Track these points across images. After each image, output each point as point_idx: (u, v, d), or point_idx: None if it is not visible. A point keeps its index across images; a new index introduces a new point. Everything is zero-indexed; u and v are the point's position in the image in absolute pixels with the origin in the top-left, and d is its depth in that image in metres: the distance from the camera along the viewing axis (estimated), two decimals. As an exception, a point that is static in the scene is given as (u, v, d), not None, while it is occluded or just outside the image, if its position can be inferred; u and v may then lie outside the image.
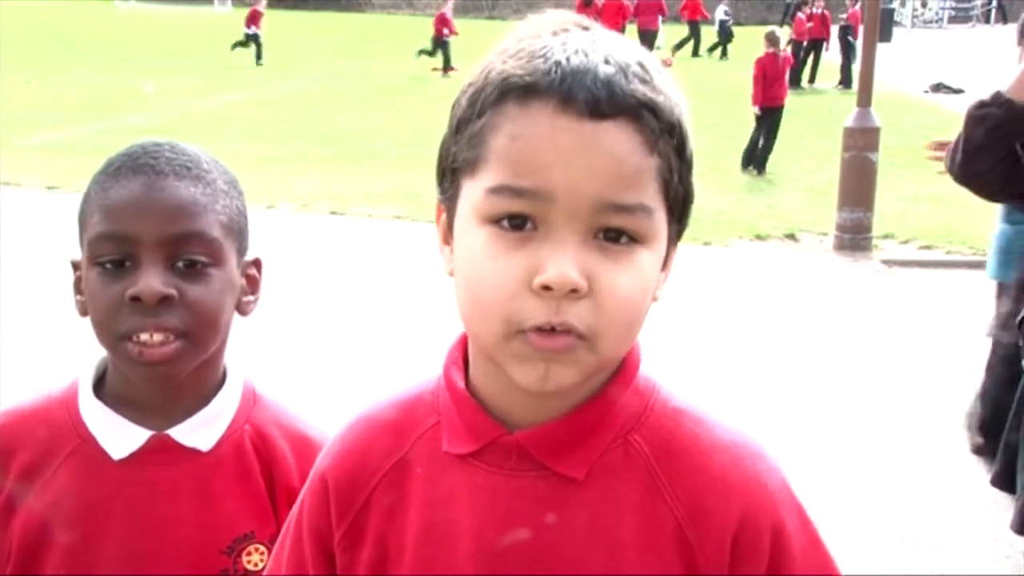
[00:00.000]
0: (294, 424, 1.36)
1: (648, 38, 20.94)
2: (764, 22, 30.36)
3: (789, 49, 12.87)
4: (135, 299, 1.22)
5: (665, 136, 0.92)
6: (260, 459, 1.33)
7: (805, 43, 19.46)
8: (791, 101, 12.55)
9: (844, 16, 19.89)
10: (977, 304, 4.79)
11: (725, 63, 22.53)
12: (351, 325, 5.95)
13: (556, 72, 0.90)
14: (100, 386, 1.33)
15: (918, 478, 4.33)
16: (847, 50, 18.92)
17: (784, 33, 13.31)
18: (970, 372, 4.46)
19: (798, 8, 20.97)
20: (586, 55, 0.91)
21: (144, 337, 1.23)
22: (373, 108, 15.04)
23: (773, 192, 10.06)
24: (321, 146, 11.93)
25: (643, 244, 0.92)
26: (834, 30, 20.00)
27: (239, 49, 20.93)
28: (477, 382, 1.01)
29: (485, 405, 1.00)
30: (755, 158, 11.14)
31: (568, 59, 0.91)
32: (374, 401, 1.10)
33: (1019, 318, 2.86)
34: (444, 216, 1.00)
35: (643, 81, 0.91)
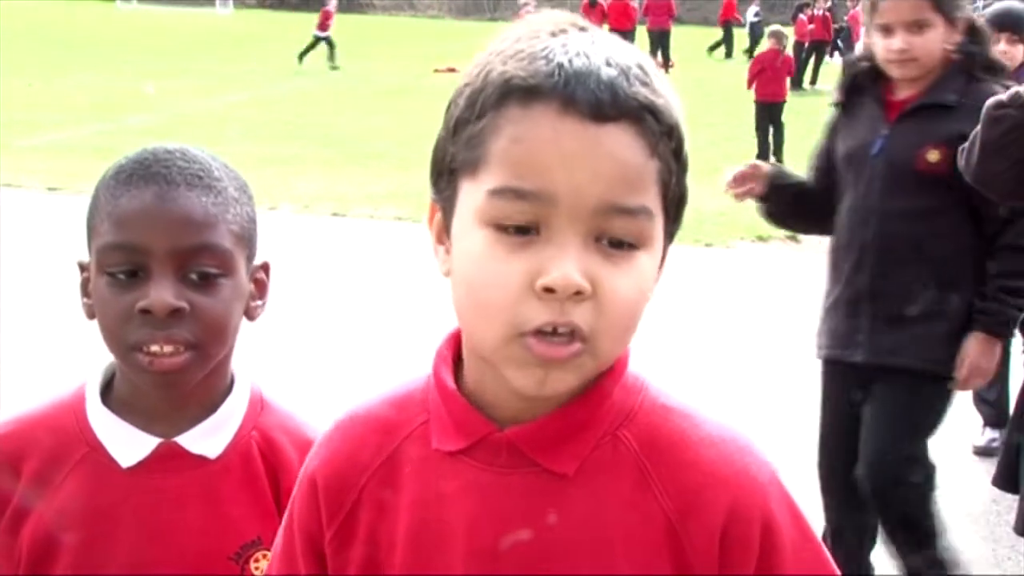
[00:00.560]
0: (301, 430, 1.36)
1: (659, 38, 20.98)
2: (765, 23, 30.39)
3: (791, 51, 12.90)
4: (145, 311, 1.22)
5: (665, 139, 0.93)
6: (267, 465, 1.33)
7: (807, 44, 19.46)
8: (792, 102, 12.55)
9: (845, 18, 19.89)
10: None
11: (730, 63, 22.50)
12: (352, 326, 5.95)
13: (559, 74, 0.90)
14: (107, 392, 1.33)
15: (919, 479, 4.32)
16: (846, 52, 18.92)
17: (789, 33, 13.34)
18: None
19: (800, 9, 20.97)
20: (587, 57, 0.91)
21: (154, 348, 1.23)
22: (374, 109, 15.05)
23: (774, 193, 10.02)
24: (322, 147, 11.93)
25: (643, 247, 0.93)
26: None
27: (307, 56, 20.52)
28: (469, 380, 1.02)
29: (475, 403, 1.00)
30: (768, 156, 11.15)
31: (570, 61, 0.91)
32: (361, 399, 1.10)
33: (1019, 320, 2.88)
34: (439, 216, 1.00)
35: (644, 84, 0.92)
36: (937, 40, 2.78)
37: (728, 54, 24.39)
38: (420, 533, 1.00)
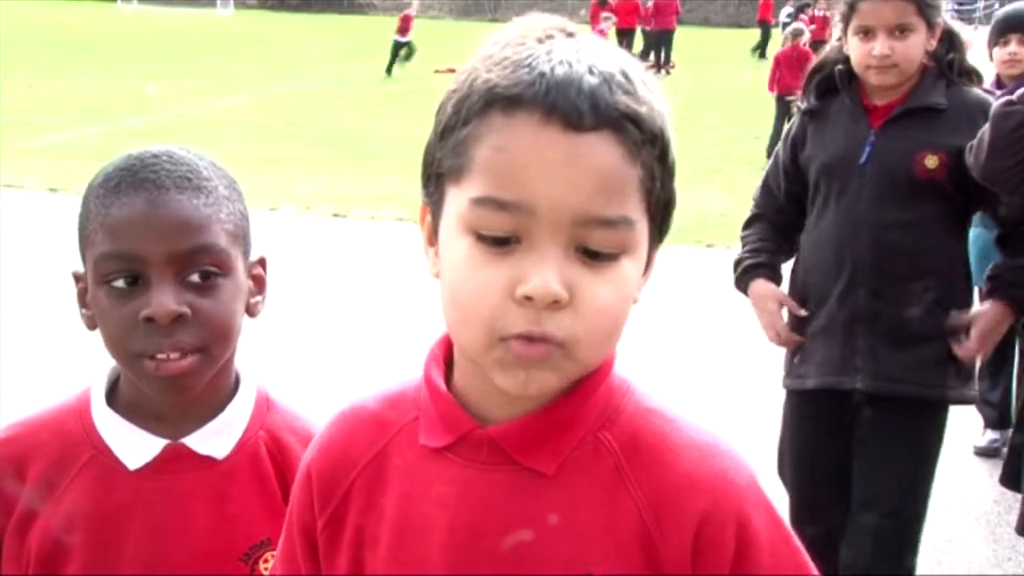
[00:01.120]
0: (308, 429, 1.35)
1: (662, 38, 21.04)
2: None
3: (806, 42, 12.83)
4: (149, 320, 1.22)
5: (647, 146, 0.93)
6: (275, 465, 1.33)
7: (807, 45, 19.46)
8: (793, 102, 12.52)
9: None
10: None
11: (734, 66, 22.51)
12: (353, 326, 5.95)
13: (541, 84, 0.91)
14: (112, 395, 1.33)
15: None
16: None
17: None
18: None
19: (800, 10, 20.99)
20: (570, 65, 0.92)
21: (161, 356, 1.23)
22: (375, 110, 15.05)
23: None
24: (323, 148, 11.94)
25: (625, 254, 0.94)
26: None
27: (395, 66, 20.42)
28: (459, 380, 1.03)
29: (464, 402, 1.02)
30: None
31: (553, 70, 0.91)
32: (359, 396, 1.12)
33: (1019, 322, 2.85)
34: (429, 218, 1.01)
35: (626, 92, 0.92)
36: (919, 46, 2.65)
37: (763, 54, 24.23)
38: (403, 527, 1.02)
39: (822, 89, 2.82)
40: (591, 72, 0.91)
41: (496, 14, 34.27)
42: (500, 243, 0.92)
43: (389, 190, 9.40)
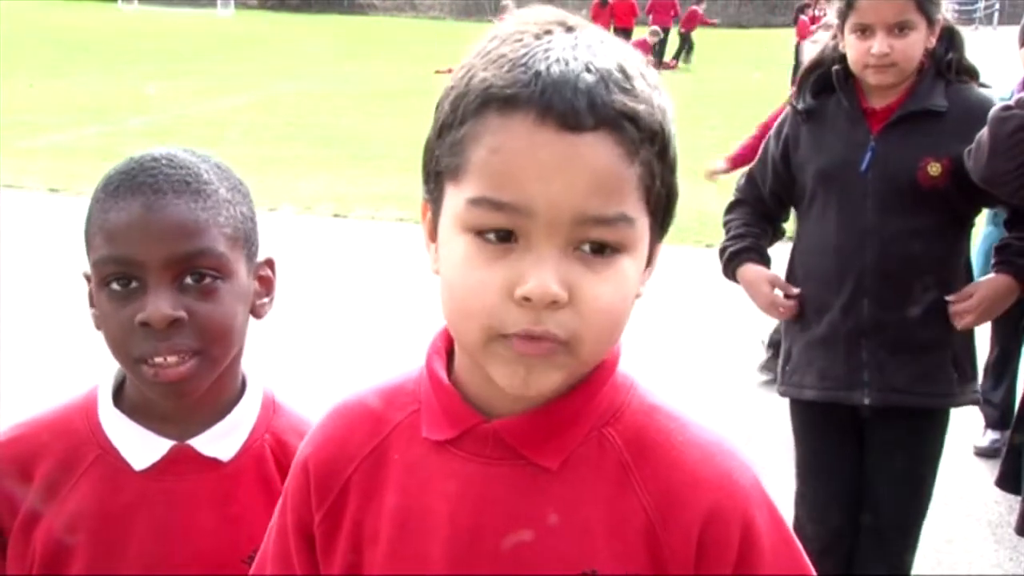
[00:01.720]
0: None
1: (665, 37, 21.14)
2: (767, 24, 30.39)
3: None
4: (145, 324, 1.22)
5: (647, 144, 0.92)
6: (280, 468, 1.33)
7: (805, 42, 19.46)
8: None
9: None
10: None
11: (735, 67, 22.50)
12: (354, 327, 5.95)
13: (536, 83, 0.90)
14: (119, 395, 1.33)
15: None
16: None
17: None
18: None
19: (801, 11, 20.98)
20: (566, 64, 0.91)
21: (158, 360, 1.23)
22: (376, 110, 15.05)
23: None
24: (324, 148, 11.93)
25: (625, 252, 0.93)
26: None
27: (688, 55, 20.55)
28: (460, 373, 1.03)
29: (466, 395, 1.02)
30: None
31: (549, 68, 0.90)
32: (355, 389, 1.11)
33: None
34: (429, 214, 1.01)
35: (624, 90, 0.91)
36: (919, 44, 2.58)
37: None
38: (404, 520, 1.02)
39: (817, 88, 2.76)
40: (588, 70, 0.91)
41: (496, 14, 34.23)
42: (500, 241, 0.92)
43: (389, 190, 9.39)
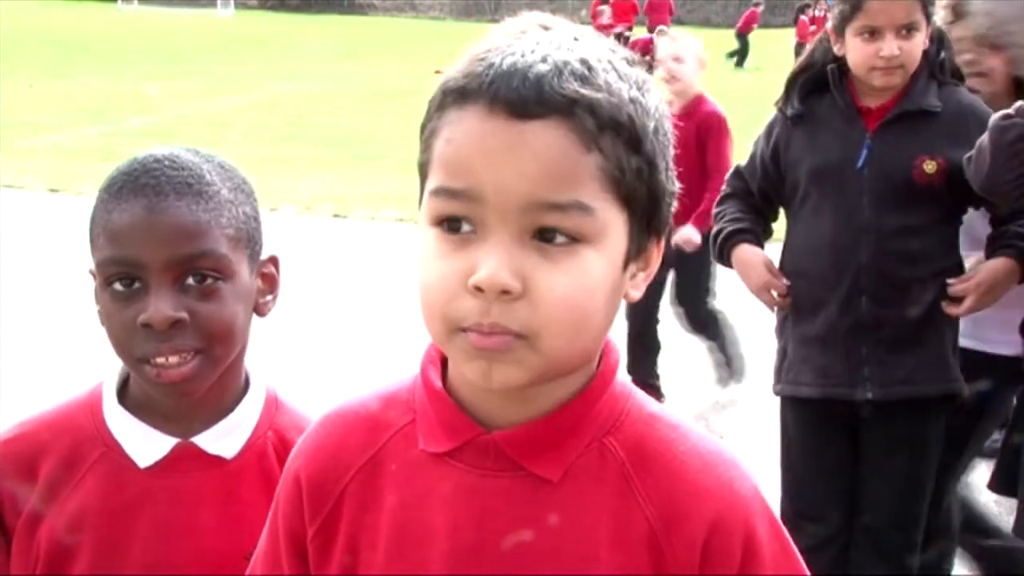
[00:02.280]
0: None
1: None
2: (767, 25, 30.37)
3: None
4: (146, 325, 1.23)
5: (609, 133, 0.91)
6: (282, 465, 1.33)
7: (809, 45, 19.48)
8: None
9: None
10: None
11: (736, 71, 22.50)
12: (354, 327, 5.95)
13: (488, 74, 0.91)
14: (123, 393, 1.34)
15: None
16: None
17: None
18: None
19: (801, 11, 21.00)
20: (523, 55, 0.91)
21: (160, 360, 1.24)
22: (376, 111, 15.05)
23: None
24: (324, 149, 11.93)
25: (586, 243, 0.92)
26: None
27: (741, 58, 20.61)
28: (455, 381, 1.02)
29: (462, 403, 1.00)
30: None
31: (503, 60, 0.91)
32: (347, 398, 1.10)
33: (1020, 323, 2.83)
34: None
35: (579, 79, 0.91)
36: (921, 46, 2.60)
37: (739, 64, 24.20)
38: (402, 533, 1.01)
39: (806, 91, 2.76)
40: (544, 61, 0.91)
41: (496, 14, 34.30)
42: (457, 231, 0.92)
43: (389, 191, 9.39)
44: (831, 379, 2.74)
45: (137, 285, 1.25)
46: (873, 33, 2.58)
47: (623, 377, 1.03)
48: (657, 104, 0.96)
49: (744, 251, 2.84)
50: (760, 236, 2.90)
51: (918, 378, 2.69)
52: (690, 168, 4.32)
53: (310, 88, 17.40)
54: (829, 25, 2.73)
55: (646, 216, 0.97)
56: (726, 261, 2.90)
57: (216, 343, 1.27)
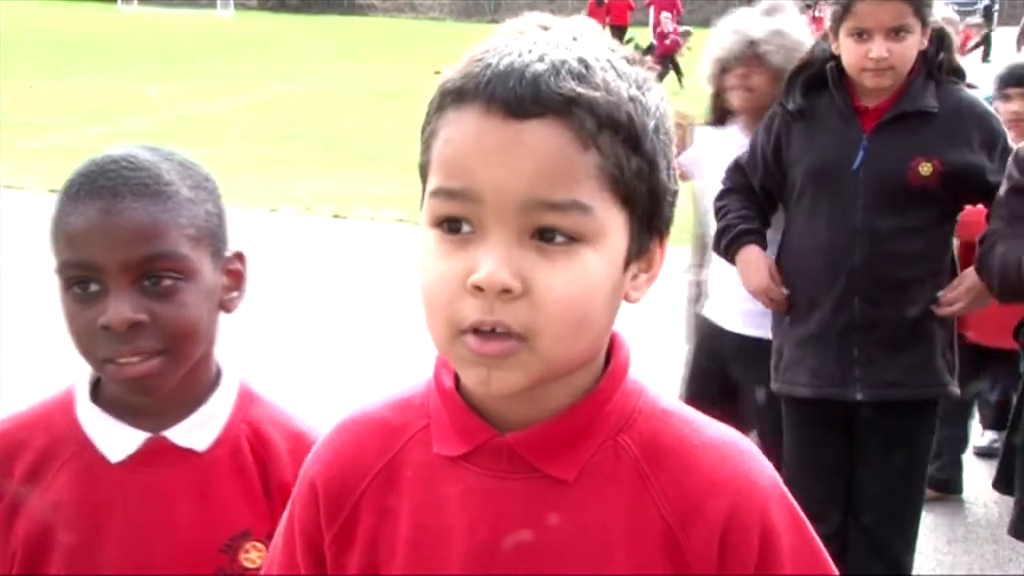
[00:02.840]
0: (291, 422, 1.38)
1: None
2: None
3: None
4: (106, 327, 1.23)
5: (607, 132, 0.91)
6: (256, 457, 1.35)
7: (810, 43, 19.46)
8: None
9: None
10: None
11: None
12: (354, 328, 5.95)
13: (484, 74, 0.91)
14: (96, 391, 1.35)
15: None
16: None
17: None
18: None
19: (801, 11, 21.00)
20: (519, 55, 0.91)
21: (121, 361, 1.25)
22: (376, 111, 15.04)
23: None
24: (324, 149, 11.93)
25: (586, 243, 0.92)
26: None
27: None
28: (467, 384, 1.01)
29: (474, 406, 1.00)
30: None
31: (499, 61, 0.92)
32: (362, 403, 1.10)
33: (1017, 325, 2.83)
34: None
35: (577, 77, 0.91)
36: (915, 48, 2.60)
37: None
38: (420, 538, 1.01)
39: (806, 87, 2.77)
40: (541, 60, 0.91)
41: (496, 15, 34.30)
42: (457, 231, 0.92)
43: (389, 191, 9.39)
44: (823, 379, 2.76)
45: (96, 288, 1.25)
46: (863, 34, 2.60)
47: (635, 375, 1.03)
48: (658, 103, 0.96)
49: (750, 252, 2.85)
50: (765, 236, 2.91)
51: (908, 381, 2.71)
52: None
53: (310, 88, 17.39)
54: (827, 24, 2.74)
55: (647, 216, 0.96)
56: (730, 258, 2.91)
57: (178, 343, 1.28)
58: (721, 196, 2.97)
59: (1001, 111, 4.05)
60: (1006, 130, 2.86)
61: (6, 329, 5.50)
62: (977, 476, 4.30)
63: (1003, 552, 3.85)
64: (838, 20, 2.64)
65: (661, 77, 14.47)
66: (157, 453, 1.31)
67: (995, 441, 4.50)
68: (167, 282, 1.26)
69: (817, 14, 19.95)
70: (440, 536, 1.00)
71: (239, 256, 1.38)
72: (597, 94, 0.91)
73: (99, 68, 18.87)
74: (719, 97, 3.24)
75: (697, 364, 3.34)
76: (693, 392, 3.22)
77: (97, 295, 1.25)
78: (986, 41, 18.39)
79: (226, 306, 1.36)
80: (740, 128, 3.17)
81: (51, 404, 1.37)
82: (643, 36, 19.27)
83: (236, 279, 1.38)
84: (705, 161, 3.21)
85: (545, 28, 0.96)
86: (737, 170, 2.95)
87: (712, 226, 3.02)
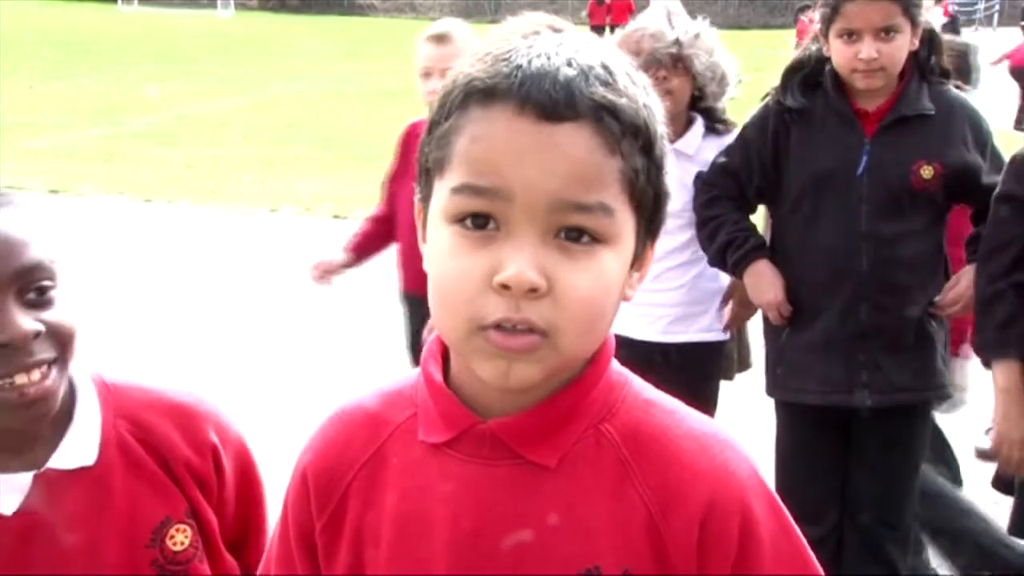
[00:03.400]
0: (163, 398, 1.37)
1: None
2: (767, 26, 30.40)
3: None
4: (4, 345, 1.21)
5: (629, 137, 0.94)
6: (146, 446, 1.33)
7: (801, 45, 19.50)
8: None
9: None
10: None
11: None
12: (353, 328, 5.95)
13: (516, 75, 0.92)
14: None
15: (921, 481, 4.31)
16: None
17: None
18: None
19: (801, 11, 21.00)
20: (548, 58, 0.93)
21: (21, 380, 1.22)
22: (376, 112, 15.05)
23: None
24: (324, 150, 11.94)
25: (605, 244, 0.94)
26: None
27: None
28: (455, 375, 1.03)
29: (462, 396, 1.02)
30: None
31: (530, 62, 0.93)
32: (353, 395, 1.12)
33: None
34: (422, 215, 1.02)
35: (604, 84, 0.93)
36: (905, 48, 2.58)
37: None
38: (405, 525, 1.02)
39: (801, 89, 2.73)
40: (569, 64, 0.93)
41: (496, 15, 34.28)
42: (480, 227, 0.93)
43: (389, 191, 9.39)
44: (831, 386, 2.74)
45: None
46: (852, 35, 2.58)
47: (619, 366, 1.05)
48: (659, 109, 0.99)
49: (765, 266, 2.79)
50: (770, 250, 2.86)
51: (915, 385, 2.71)
52: None
53: (310, 89, 17.41)
54: (816, 26, 2.72)
55: (649, 218, 0.99)
56: (738, 273, 2.86)
57: (67, 348, 1.27)
58: (711, 203, 2.88)
59: None
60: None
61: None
62: (977, 476, 4.30)
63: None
64: (827, 22, 2.63)
65: None
66: (50, 485, 1.28)
67: (995, 441, 4.50)
68: (46, 290, 1.25)
69: (804, 19, 20.04)
70: (424, 523, 1.01)
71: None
72: (623, 100, 0.93)
73: (99, 68, 18.88)
74: None
75: None
76: None
77: None
78: (963, 59, 18.29)
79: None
80: None
81: None
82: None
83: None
84: None
85: (556, 30, 0.98)
86: (724, 174, 2.86)
87: None
